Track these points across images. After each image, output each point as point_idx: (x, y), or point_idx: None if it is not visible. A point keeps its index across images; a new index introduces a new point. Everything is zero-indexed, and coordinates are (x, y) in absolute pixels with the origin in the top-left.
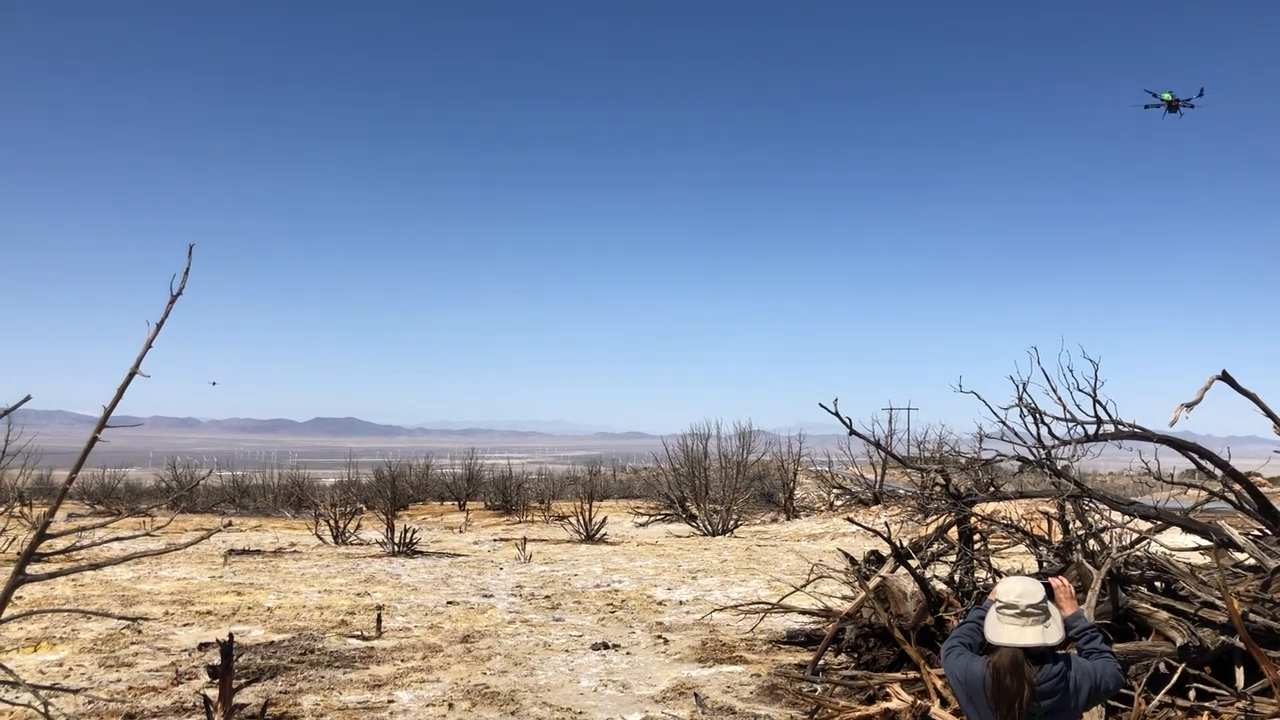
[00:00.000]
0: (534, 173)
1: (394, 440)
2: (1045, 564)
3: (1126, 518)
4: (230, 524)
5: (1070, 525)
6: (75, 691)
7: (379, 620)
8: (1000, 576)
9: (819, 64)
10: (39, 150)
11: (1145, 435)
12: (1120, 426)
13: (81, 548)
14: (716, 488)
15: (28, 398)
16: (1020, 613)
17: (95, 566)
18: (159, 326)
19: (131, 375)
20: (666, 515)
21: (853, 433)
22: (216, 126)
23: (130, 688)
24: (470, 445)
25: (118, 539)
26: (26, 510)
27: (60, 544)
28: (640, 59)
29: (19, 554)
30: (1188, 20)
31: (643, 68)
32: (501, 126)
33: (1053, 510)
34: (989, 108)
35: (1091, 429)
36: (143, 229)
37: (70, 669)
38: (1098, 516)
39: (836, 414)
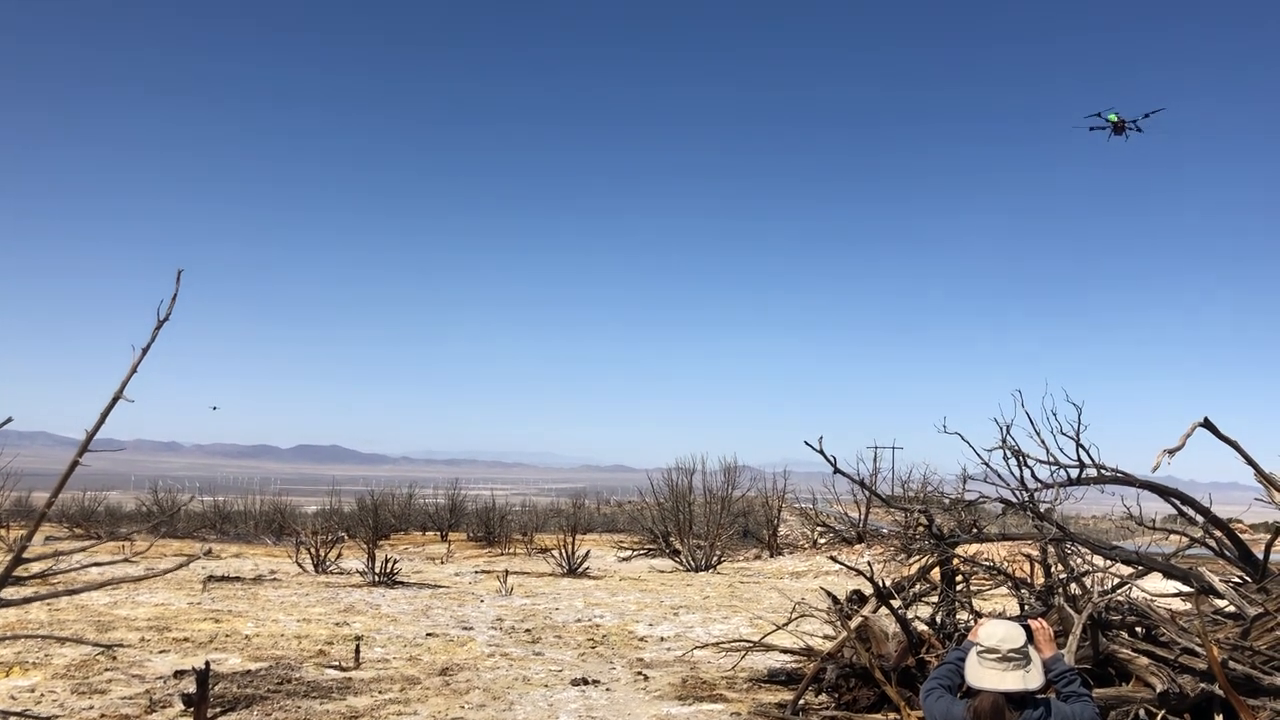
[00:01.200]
0: (519, 204)
1: (378, 469)
2: (1027, 607)
3: (1108, 562)
4: (210, 550)
5: (1052, 569)
6: (46, 718)
7: (357, 651)
8: (981, 618)
9: (804, 98)
10: (21, 167)
11: (1128, 480)
12: (1103, 470)
13: (59, 572)
14: (701, 523)
15: (9, 419)
16: (1002, 657)
17: (73, 592)
18: (144, 352)
19: (115, 400)
20: (650, 550)
21: (837, 471)
22: (201, 148)
23: (103, 715)
24: (454, 475)
25: (96, 564)
26: (3, 532)
27: (37, 568)
28: (625, 87)
29: None
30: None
31: (630, 95)
32: (486, 158)
33: (1035, 553)
34: (974, 146)
35: (1074, 472)
36: (126, 249)
37: (42, 695)
38: (1080, 560)
39: (821, 452)
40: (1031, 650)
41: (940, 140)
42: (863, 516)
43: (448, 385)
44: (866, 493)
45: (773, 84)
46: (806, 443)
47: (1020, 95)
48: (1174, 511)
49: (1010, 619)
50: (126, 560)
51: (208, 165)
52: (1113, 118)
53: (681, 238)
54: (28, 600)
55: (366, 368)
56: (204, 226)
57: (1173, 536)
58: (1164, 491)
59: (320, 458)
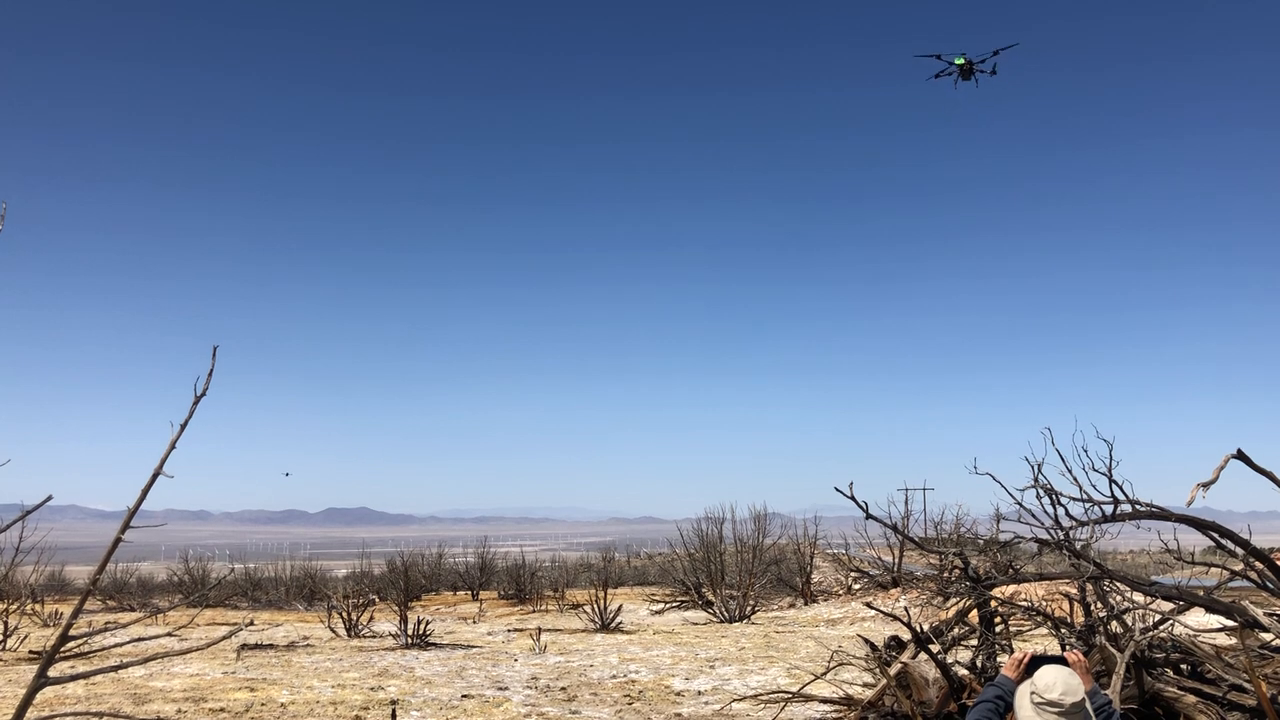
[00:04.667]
0: (540, 256)
1: (406, 529)
2: (1067, 647)
3: (1148, 598)
4: (251, 622)
5: (1092, 607)
6: None
7: (394, 715)
8: (1016, 652)
9: (825, 138)
10: (47, 245)
11: (1163, 515)
12: (1138, 506)
13: (101, 650)
14: (732, 573)
15: (49, 498)
16: (1064, 712)
17: (117, 668)
18: (183, 427)
19: (155, 476)
20: (682, 602)
21: (869, 516)
22: (229, 226)
23: None
24: (482, 533)
25: (139, 640)
26: (37, 607)
27: (80, 645)
28: (639, 133)
29: (31, 653)
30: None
31: (640, 142)
32: (509, 217)
33: (1074, 592)
34: (997, 185)
35: (1109, 509)
36: (148, 322)
37: None
38: (1119, 598)
39: (852, 497)
40: (1085, 699)
41: (969, 183)
42: (897, 560)
43: (473, 443)
44: (899, 536)
45: (802, 124)
46: (837, 489)
47: (1028, 119)
48: (1213, 544)
49: (1048, 657)
50: (169, 635)
51: (233, 242)
52: (959, 60)
53: (705, 286)
54: (75, 678)
55: (392, 429)
56: (224, 297)
57: (1213, 570)
58: (1201, 525)
59: (349, 520)
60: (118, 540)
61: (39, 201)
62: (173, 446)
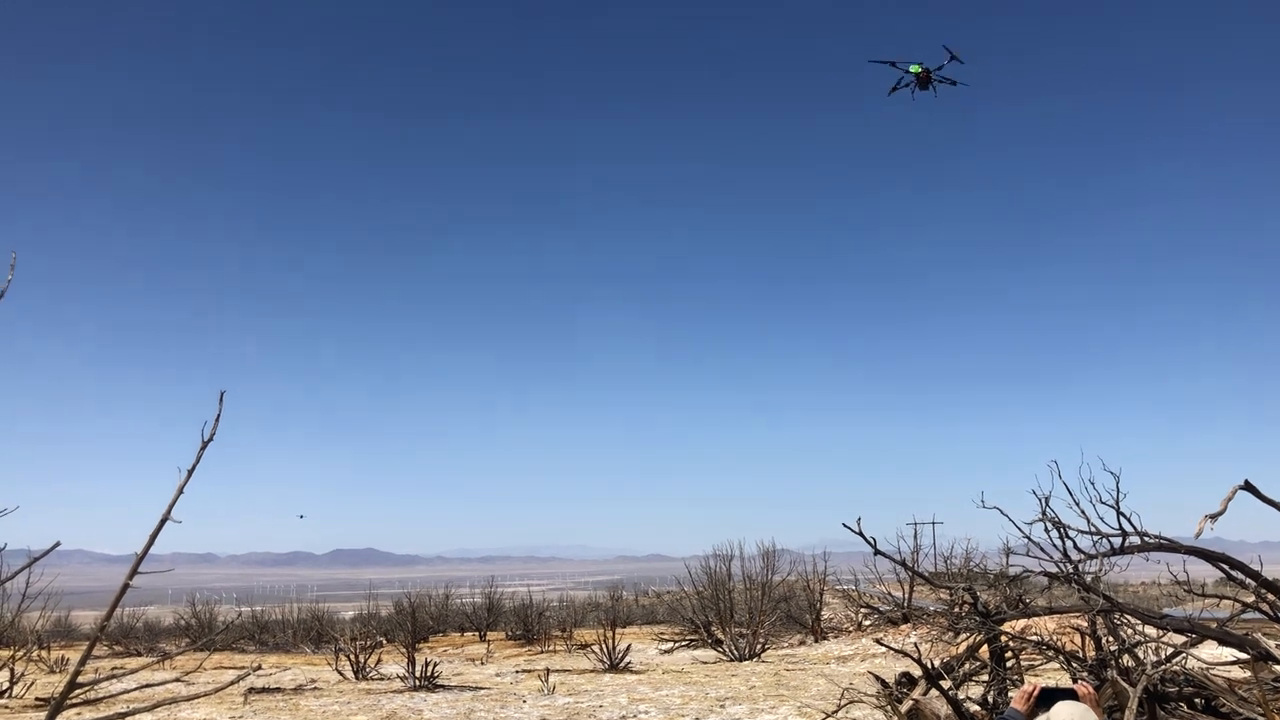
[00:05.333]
0: (542, 288)
1: (413, 570)
2: (1078, 680)
3: (1160, 631)
4: (259, 666)
5: (1103, 641)
6: None
7: None
8: (1025, 684)
9: (825, 163)
10: (54, 289)
11: (1172, 546)
12: (1146, 538)
13: (108, 697)
14: (741, 610)
15: (57, 544)
16: None
17: (125, 715)
18: (190, 472)
19: (164, 521)
20: (691, 640)
21: (878, 552)
22: (235, 265)
23: None
24: (489, 573)
25: (147, 685)
26: (44, 653)
27: (88, 691)
28: (649, 157)
29: (38, 700)
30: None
31: (649, 169)
32: (512, 252)
33: (1084, 625)
34: (1002, 218)
35: (1117, 541)
36: (155, 365)
37: None
38: (1130, 631)
39: (860, 533)
40: None
41: (974, 214)
42: (907, 595)
43: (479, 482)
44: (909, 572)
45: (803, 146)
46: (845, 525)
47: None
48: (1223, 576)
49: (1058, 690)
50: (179, 681)
51: (236, 283)
52: (916, 69)
53: (707, 322)
54: None
55: (398, 470)
56: (230, 338)
57: (1225, 602)
58: (1211, 557)
59: (355, 561)
60: (126, 585)
61: (46, 240)
62: (180, 491)
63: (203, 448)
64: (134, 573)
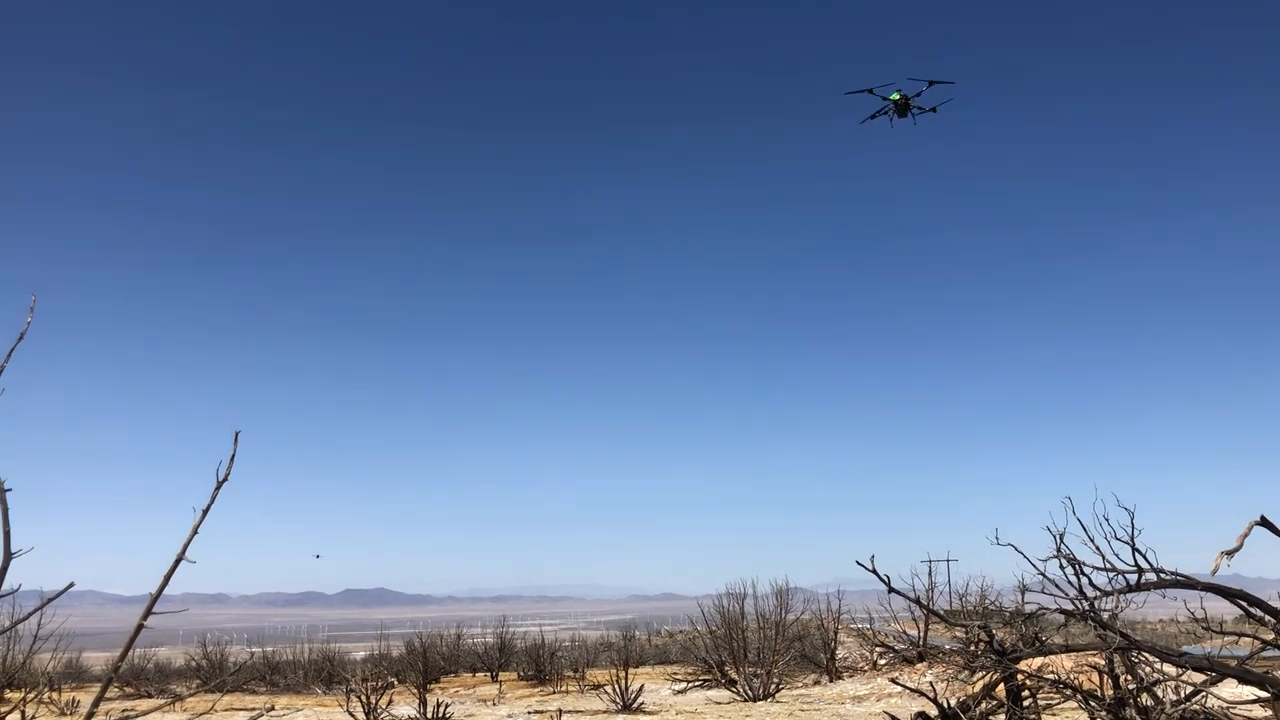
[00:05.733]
0: (551, 329)
1: (424, 610)
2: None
3: (1179, 670)
4: (272, 707)
5: (1121, 679)
6: None
7: None
8: None
9: (838, 199)
10: (68, 329)
11: (1189, 583)
12: (1162, 575)
13: None
14: (755, 650)
15: (70, 585)
16: None
17: None
18: (205, 513)
19: (178, 562)
20: (705, 680)
21: (892, 590)
22: (245, 308)
23: None
24: (501, 612)
25: None
26: (55, 695)
27: None
28: (652, 196)
29: None
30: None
31: (659, 199)
32: (519, 293)
33: (1102, 663)
34: (1008, 246)
35: (1133, 578)
36: (168, 406)
37: None
38: (1149, 669)
39: (874, 571)
40: None
41: (986, 257)
42: (922, 634)
43: (491, 521)
44: (923, 610)
45: (812, 181)
46: (859, 563)
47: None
48: (1242, 613)
49: None
50: None
51: (247, 323)
52: (894, 96)
53: (720, 360)
54: None
55: (409, 509)
56: (242, 376)
57: (1244, 639)
58: (1229, 594)
59: (367, 601)
60: (139, 627)
61: (56, 276)
62: (195, 532)
63: (217, 488)
64: (148, 614)
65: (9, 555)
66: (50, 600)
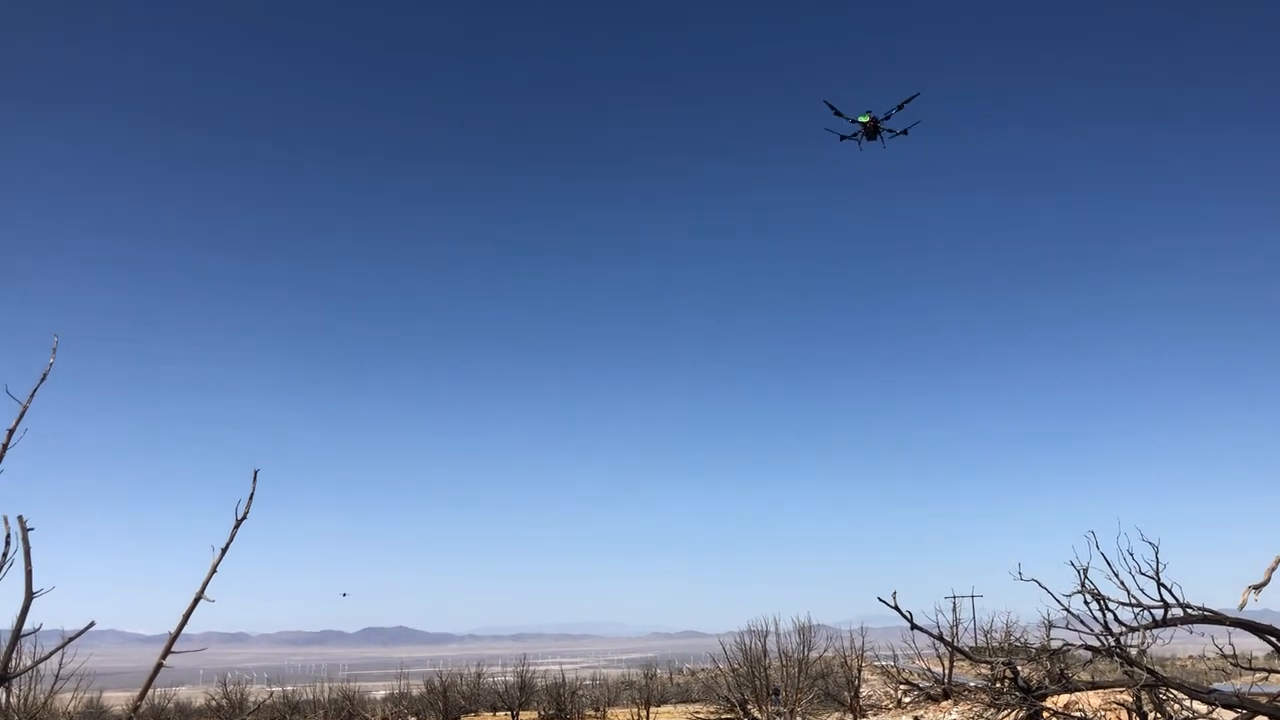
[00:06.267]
0: (573, 370)
1: (444, 648)
2: None
3: (1208, 707)
4: None
5: (1149, 716)
6: None
7: None
8: None
9: (854, 234)
10: (87, 368)
11: (1217, 619)
12: (1189, 610)
13: None
14: (780, 687)
15: (91, 624)
16: None
17: None
18: (224, 551)
19: (197, 600)
20: (727, 719)
21: (915, 626)
22: (264, 346)
23: None
24: (521, 651)
25: None
26: None
27: None
28: (678, 237)
29: None
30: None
31: (676, 238)
32: (539, 330)
33: (1129, 700)
34: (1033, 292)
35: (1159, 613)
36: (186, 443)
37: None
38: (1177, 706)
39: (896, 607)
40: None
41: (1009, 289)
42: (947, 671)
43: (511, 559)
44: (947, 647)
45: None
46: (880, 599)
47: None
48: (1273, 649)
49: None
50: None
51: (267, 361)
52: (864, 119)
53: (741, 395)
54: None
55: (429, 547)
56: (261, 412)
57: (1274, 675)
58: (1258, 629)
59: (387, 640)
60: (159, 666)
61: (79, 317)
62: (214, 570)
63: (236, 526)
64: (167, 653)
65: (31, 594)
66: (71, 639)
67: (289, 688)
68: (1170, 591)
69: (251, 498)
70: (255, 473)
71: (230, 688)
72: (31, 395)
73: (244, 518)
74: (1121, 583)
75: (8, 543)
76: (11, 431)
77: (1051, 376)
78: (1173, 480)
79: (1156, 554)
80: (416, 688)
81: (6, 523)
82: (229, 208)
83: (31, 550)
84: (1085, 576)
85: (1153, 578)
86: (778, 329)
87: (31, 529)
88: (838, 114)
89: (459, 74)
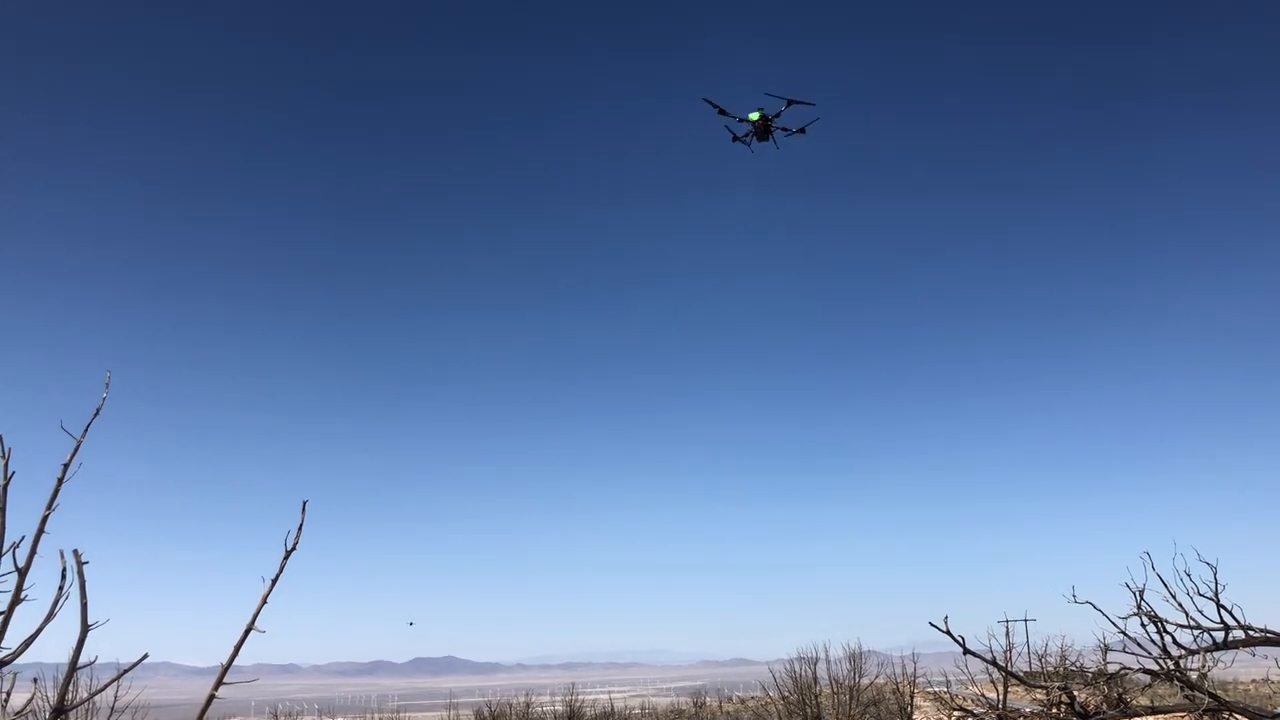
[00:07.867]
0: (618, 395)
1: (493, 678)
2: None
3: None
4: None
5: None
6: None
7: None
8: None
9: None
10: (137, 401)
11: None
12: (1251, 632)
13: None
14: (829, 715)
15: (145, 656)
16: None
17: None
18: (274, 582)
19: (248, 632)
20: None
21: (967, 651)
22: (312, 374)
23: None
24: (570, 680)
25: None
26: None
27: None
28: (712, 248)
29: None
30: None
31: (713, 253)
32: (577, 353)
33: None
34: (1070, 311)
35: (1219, 636)
36: (237, 477)
37: None
38: None
39: (948, 632)
40: None
41: (1046, 309)
42: (1001, 697)
43: (559, 588)
44: (1001, 672)
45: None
46: (932, 624)
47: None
48: None
49: None
50: None
51: (313, 391)
52: (754, 116)
53: (788, 418)
54: None
55: (476, 575)
56: (308, 443)
57: None
58: None
59: (436, 670)
60: (211, 698)
61: (128, 350)
62: (264, 601)
63: (285, 557)
64: (219, 684)
65: (86, 627)
66: (126, 671)
67: (340, 718)
68: (1231, 613)
69: (300, 529)
70: (304, 504)
71: (282, 719)
72: (85, 430)
73: (293, 549)
74: (1179, 604)
75: (64, 576)
76: (65, 466)
77: (1104, 395)
78: (1230, 500)
79: (1215, 575)
80: (466, 717)
81: (63, 557)
82: (282, 237)
83: (87, 583)
84: (1141, 598)
85: (1212, 599)
86: (825, 351)
87: (86, 562)
88: (722, 112)
89: (481, 79)
